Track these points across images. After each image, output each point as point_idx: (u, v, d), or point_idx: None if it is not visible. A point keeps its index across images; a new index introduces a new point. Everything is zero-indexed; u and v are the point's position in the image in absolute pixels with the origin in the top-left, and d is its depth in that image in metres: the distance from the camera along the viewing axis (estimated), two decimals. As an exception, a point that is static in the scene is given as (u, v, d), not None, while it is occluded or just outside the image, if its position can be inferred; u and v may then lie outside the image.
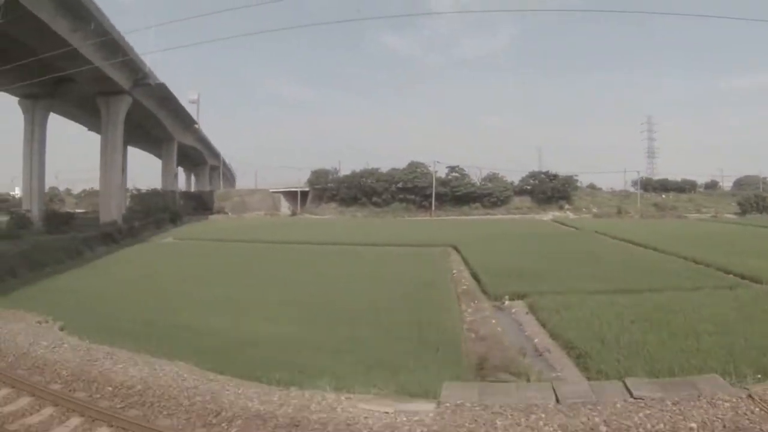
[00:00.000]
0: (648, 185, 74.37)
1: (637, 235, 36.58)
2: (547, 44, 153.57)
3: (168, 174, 61.81)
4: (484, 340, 13.35)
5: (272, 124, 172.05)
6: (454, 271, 22.96)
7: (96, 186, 79.51)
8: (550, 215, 63.47)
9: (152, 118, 53.99)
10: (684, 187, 74.95)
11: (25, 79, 41.57)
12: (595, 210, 66.20)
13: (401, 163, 64.58)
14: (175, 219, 48.81)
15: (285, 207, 67.65)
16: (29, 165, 46.71)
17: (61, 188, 75.64)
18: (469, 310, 16.55)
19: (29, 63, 35.41)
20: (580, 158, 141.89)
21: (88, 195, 71.03)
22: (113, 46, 38.18)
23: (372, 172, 63.99)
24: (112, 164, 45.66)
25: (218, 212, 62.86)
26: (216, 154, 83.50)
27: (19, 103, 46.95)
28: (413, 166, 63.40)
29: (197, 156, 78.04)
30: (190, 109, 64.88)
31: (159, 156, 70.35)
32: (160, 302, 15.51)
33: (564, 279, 19.37)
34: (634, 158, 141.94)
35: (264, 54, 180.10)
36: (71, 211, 52.53)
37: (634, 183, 76.14)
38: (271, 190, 69.01)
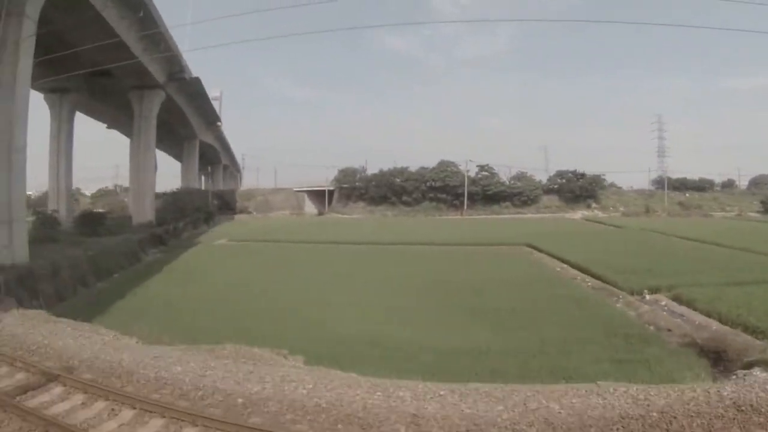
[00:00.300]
0: (668, 184, 74.77)
1: (686, 232, 36.65)
2: (548, 46, 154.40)
3: (190, 173, 59.70)
4: (671, 331, 12.90)
5: (281, 123, 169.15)
6: (558, 269, 22.17)
7: (110, 185, 77.25)
8: (579, 214, 63.14)
9: (179, 114, 52.09)
10: (702, 186, 75.33)
11: (57, 74, 39.78)
12: (622, 209, 66.07)
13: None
14: (209, 219, 47.04)
15: (309, 206, 66.11)
16: (56, 162, 44.45)
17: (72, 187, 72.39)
18: (619, 305, 15.79)
19: (64, 55, 33.72)
20: (579, 158, 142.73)
21: (104, 194, 68.39)
22: (156, 36, 36.52)
23: (401, 171, 62.90)
24: (144, 162, 43.74)
25: (241, 212, 61.07)
26: (230, 153, 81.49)
27: (45, 98, 44.80)
28: (443, 165, 62.48)
29: (213, 155, 75.84)
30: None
31: (176, 156, 68.21)
32: (313, 314, 13.78)
33: (679, 273, 18.96)
34: (634, 158, 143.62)
35: (274, 54, 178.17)
36: (102, 211, 50.35)
37: (654, 182, 76.55)
38: (294, 189, 67.41)
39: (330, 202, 65.59)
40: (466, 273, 20.53)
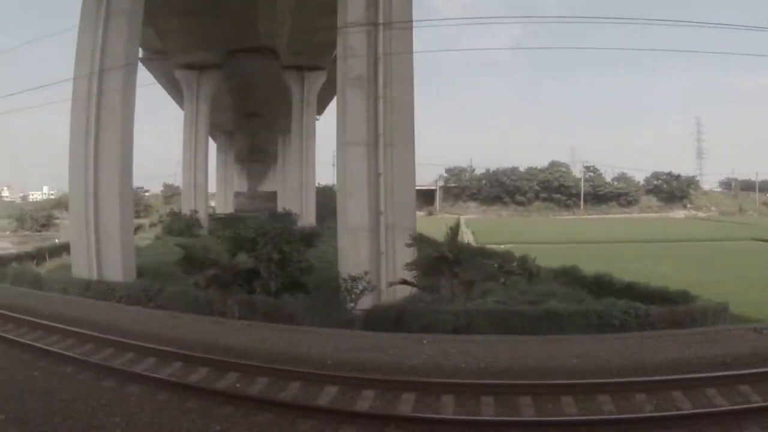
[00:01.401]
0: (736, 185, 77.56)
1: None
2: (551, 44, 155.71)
3: (288, 170, 53.21)
4: None
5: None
6: None
7: (169, 182, 67.76)
8: (681, 214, 63.55)
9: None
10: (765, 187, 78.65)
11: (205, 45, 33.56)
12: (713, 209, 67.33)
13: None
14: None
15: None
16: (192, 154, 37.66)
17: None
18: None
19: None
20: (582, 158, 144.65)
21: (171, 194, 58.82)
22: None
23: (512, 171, 60.27)
24: (307, 154, 38.29)
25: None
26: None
27: (179, 75, 37.67)
28: (555, 165, 60.71)
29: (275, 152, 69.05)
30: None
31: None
32: None
33: None
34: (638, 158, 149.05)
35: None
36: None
37: (723, 183, 79.59)
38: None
39: (432, 202, 61.35)
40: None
